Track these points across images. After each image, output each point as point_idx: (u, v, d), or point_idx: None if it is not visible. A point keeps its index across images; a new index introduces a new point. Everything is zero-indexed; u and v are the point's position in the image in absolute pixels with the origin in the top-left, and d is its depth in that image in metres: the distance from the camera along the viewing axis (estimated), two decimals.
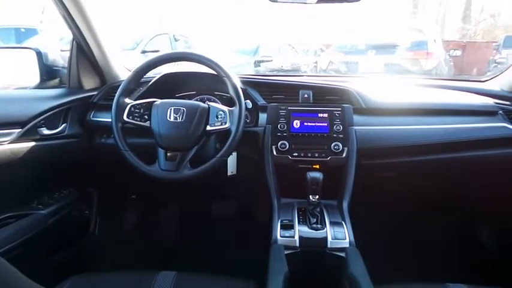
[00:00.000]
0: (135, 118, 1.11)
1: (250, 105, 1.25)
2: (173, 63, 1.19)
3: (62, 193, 1.34)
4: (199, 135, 1.08)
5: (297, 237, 1.00)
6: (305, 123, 1.22)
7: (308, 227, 1.03)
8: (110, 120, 1.12)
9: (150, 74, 1.21)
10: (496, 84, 1.40)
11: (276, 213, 1.11)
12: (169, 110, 1.09)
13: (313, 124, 1.21)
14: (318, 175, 1.04)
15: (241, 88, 1.12)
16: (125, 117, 1.11)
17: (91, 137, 1.35)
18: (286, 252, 0.97)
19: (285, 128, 1.21)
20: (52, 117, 1.21)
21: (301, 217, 1.08)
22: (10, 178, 1.12)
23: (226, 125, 1.08)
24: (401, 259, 1.43)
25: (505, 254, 1.47)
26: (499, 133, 1.22)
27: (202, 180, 1.11)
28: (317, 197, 1.05)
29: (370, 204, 1.38)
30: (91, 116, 1.34)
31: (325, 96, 1.31)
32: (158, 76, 1.29)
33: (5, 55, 1.53)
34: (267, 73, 3.78)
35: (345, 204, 1.12)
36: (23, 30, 6.01)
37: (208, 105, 1.12)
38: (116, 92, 1.14)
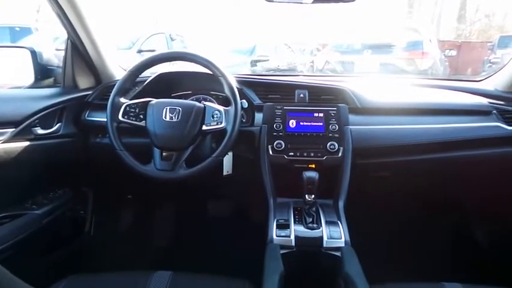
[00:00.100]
0: (131, 118, 1.11)
1: (246, 104, 1.25)
2: (169, 62, 1.19)
3: (57, 193, 1.33)
4: (195, 135, 1.08)
5: (292, 237, 1.01)
6: (301, 123, 1.22)
7: (304, 227, 1.04)
8: (105, 119, 1.12)
9: (145, 73, 1.21)
10: (491, 84, 1.41)
11: (271, 212, 1.11)
12: (164, 109, 1.09)
13: (309, 124, 1.22)
14: (314, 174, 1.04)
15: (237, 88, 1.12)
16: (120, 117, 1.10)
17: (86, 136, 1.34)
18: (282, 251, 0.97)
19: (281, 127, 1.22)
20: (47, 116, 1.20)
21: (297, 217, 1.08)
22: (4, 178, 1.11)
23: (222, 125, 1.08)
24: (396, 258, 1.44)
25: (498, 252, 1.48)
26: (493, 132, 1.24)
27: (198, 180, 1.11)
28: (313, 196, 1.05)
29: (366, 204, 1.39)
30: (86, 115, 1.33)
31: (320, 96, 1.31)
32: (154, 76, 1.29)
33: None
34: (263, 73, 3.78)
35: (341, 204, 1.13)
36: (17, 29, 5.96)
37: (204, 104, 1.12)
38: (111, 92, 1.14)
